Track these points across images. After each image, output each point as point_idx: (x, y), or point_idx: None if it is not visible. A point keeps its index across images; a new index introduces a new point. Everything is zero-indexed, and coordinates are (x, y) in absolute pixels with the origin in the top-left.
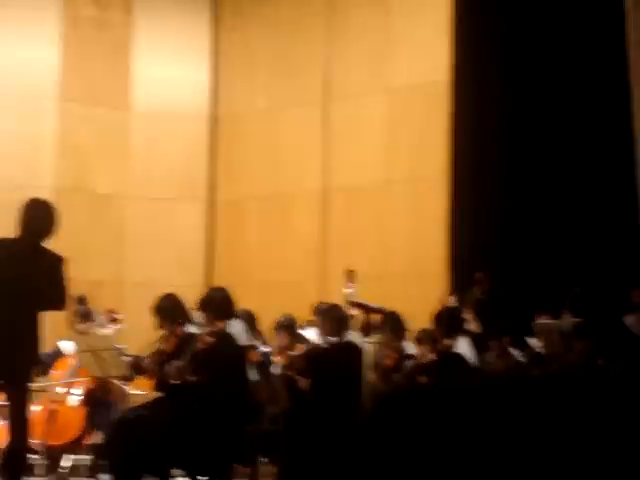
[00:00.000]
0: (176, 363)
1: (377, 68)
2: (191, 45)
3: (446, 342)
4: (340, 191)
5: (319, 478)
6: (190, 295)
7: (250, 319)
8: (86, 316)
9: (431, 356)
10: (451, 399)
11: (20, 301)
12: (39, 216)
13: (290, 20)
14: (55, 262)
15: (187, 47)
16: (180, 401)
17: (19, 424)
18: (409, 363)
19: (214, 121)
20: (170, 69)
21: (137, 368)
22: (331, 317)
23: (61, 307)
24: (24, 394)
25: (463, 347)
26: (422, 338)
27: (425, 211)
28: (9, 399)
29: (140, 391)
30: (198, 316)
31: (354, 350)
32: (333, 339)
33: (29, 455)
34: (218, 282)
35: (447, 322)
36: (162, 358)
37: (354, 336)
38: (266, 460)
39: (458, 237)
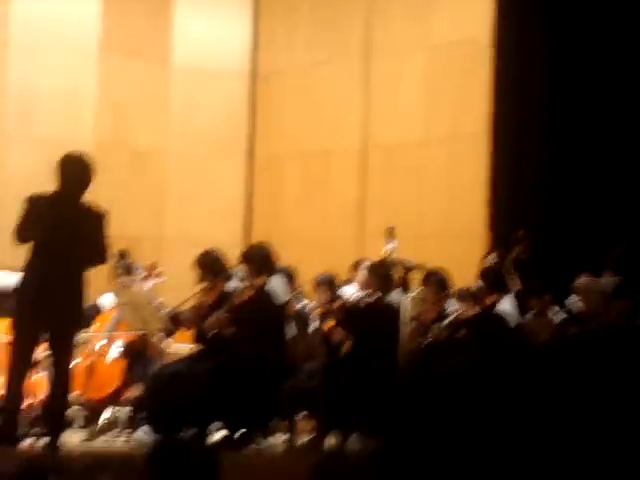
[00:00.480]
0: (216, 313)
1: (418, 23)
2: (232, 0)
3: (491, 299)
4: (379, 148)
5: (356, 431)
6: (229, 251)
7: (290, 275)
8: (127, 270)
9: (473, 312)
10: (488, 354)
11: (64, 254)
12: (75, 170)
13: None
14: (97, 216)
15: (228, 2)
16: (219, 354)
17: (62, 376)
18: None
19: (254, 77)
20: (211, 24)
21: (176, 320)
22: (376, 273)
23: (103, 261)
24: (69, 346)
25: (507, 305)
26: (465, 295)
27: (465, 169)
28: (53, 351)
29: (180, 344)
30: (240, 269)
31: (392, 309)
32: (375, 295)
33: (69, 407)
34: (257, 238)
35: (492, 279)
36: (202, 310)
37: (396, 293)
38: (305, 414)
39: (498, 196)
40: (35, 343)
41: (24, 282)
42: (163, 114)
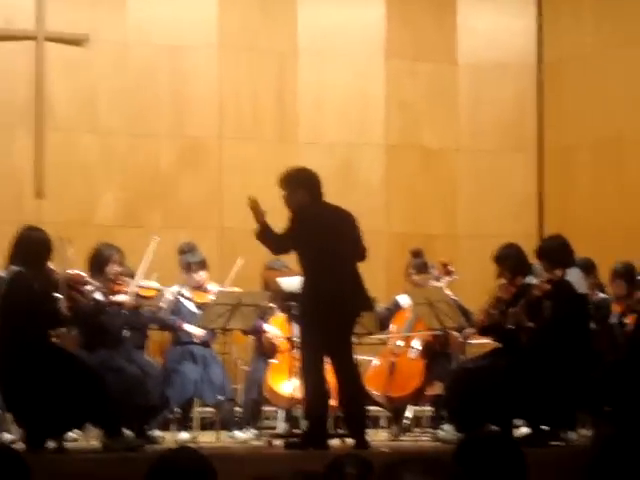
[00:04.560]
0: (512, 309)
1: None
2: None
3: None
4: None
5: None
6: (523, 246)
7: (588, 267)
8: (422, 269)
9: None
10: None
11: (339, 258)
12: (312, 178)
13: None
14: (348, 216)
15: None
16: (518, 349)
17: (351, 376)
18: None
19: (541, 67)
20: (494, 18)
21: (482, 330)
22: None
23: (362, 258)
24: (349, 345)
25: None
26: None
27: None
28: (336, 352)
29: (479, 341)
30: (536, 264)
31: None
32: None
33: (372, 407)
34: (550, 231)
35: None
36: (500, 306)
37: None
38: (609, 408)
39: None
40: (324, 347)
41: (309, 290)
42: (452, 111)
